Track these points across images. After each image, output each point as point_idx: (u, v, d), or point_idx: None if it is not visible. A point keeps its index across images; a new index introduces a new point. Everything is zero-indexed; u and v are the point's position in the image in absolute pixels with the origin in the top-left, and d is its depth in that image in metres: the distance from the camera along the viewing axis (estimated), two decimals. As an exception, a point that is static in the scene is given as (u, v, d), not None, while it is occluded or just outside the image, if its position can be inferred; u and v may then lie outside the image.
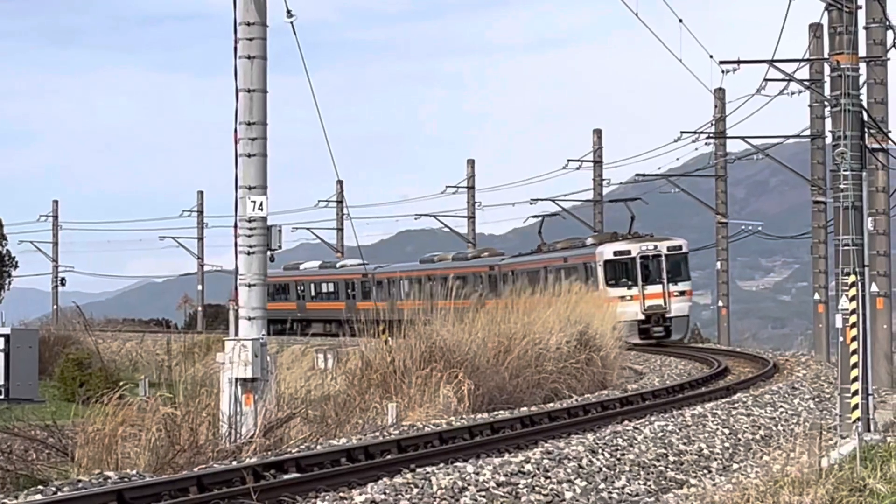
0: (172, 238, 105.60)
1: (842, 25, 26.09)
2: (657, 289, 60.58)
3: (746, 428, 27.55)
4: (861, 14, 28.24)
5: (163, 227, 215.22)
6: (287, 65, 28.68)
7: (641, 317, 60.28)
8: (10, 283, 76.39)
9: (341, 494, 17.18)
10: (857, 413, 25.06)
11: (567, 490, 19.02)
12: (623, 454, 22.10)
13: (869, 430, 24.95)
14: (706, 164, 65.76)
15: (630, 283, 60.68)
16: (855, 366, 25.29)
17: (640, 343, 59.12)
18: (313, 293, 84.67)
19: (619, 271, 61.01)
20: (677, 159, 71.45)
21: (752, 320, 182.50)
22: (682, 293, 61.09)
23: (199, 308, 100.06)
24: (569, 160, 75.28)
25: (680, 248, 61.70)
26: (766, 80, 35.00)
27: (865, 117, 27.57)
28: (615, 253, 61.48)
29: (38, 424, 25.95)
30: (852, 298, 25.41)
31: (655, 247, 61.20)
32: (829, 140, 33.54)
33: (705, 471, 22.75)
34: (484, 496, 17.87)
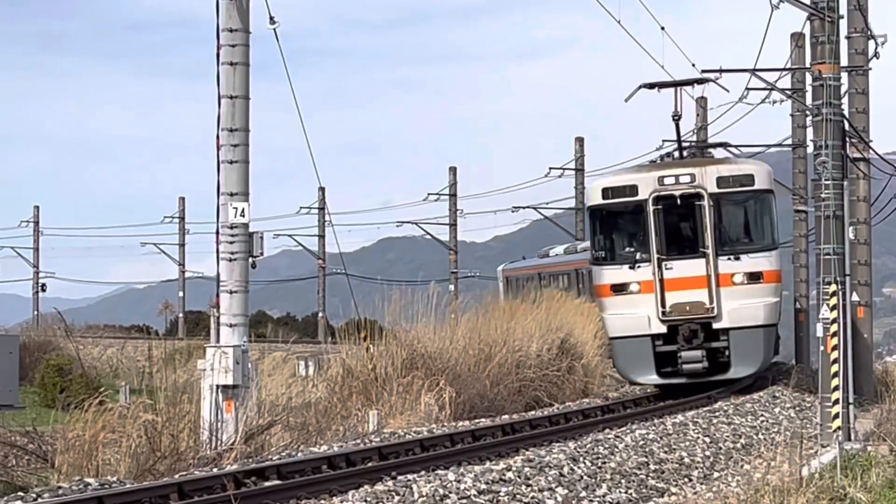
0: (154, 244, 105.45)
1: (824, 35, 26.19)
2: (693, 267, 32.21)
3: (727, 436, 27.57)
4: (843, 24, 28.32)
5: (144, 234, 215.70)
6: (270, 72, 28.66)
7: (660, 328, 32.76)
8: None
9: (322, 502, 17.16)
10: (838, 422, 25.11)
11: (548, 498, 19.01)
12: (604, 462, 22.10)
13: (849, 439, 25.01)
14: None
15: (639, 254, 32.67)
16: (835, 375, 25.35)
17: (659, 385, 33.95)
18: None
19: (616, 231, 33.72)
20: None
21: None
22: (753, 276, 32.52)
23: (181, 314, 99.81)
24: (551, 168, 75.38)
25: (749, 179, 32.82)
26: (747, 88, 34.93)
27: (847, 127, 27.70)
28: (605, 193, 33.18)
29: (18, 430, 25.89)
30: (833, 307, 25.47)
31: (691, 177, 32.15)
32: (810, 149, 33.49)
33: (686, 479, 22.75)
34: (465, 504, 17.86)
